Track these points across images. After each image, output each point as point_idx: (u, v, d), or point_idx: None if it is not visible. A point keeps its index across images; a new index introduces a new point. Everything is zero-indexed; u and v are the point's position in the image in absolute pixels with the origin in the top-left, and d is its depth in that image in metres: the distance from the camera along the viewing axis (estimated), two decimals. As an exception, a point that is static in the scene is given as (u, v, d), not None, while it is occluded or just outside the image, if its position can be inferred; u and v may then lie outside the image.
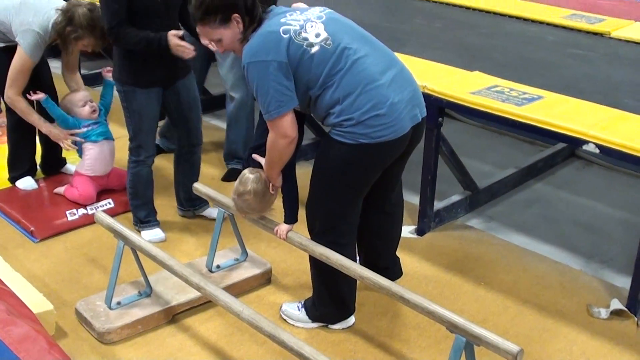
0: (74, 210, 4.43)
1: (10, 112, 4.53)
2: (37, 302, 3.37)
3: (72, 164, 4.99)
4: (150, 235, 4.20)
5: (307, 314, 3.52)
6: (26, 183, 4.73)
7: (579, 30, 5.41)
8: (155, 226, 4.28)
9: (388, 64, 3.12)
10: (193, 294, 3.51)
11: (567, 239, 4.39)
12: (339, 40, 3.03)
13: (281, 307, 3.60)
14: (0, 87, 4.40)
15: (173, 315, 3.54)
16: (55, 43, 4.26)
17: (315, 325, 3.51)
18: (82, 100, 4.52)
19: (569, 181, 5.17)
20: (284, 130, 3.04)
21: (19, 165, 4.76)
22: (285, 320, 3.54)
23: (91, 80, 6.93)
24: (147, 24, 3.82)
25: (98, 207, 4.44)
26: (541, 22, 5.61)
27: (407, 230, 4.32)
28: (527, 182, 5.09)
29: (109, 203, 4.54)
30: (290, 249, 3.81)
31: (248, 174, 3.31)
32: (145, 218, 4.28)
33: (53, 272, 3.93)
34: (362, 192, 3.28)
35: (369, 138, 3.03)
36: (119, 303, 3.49)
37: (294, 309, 3.55)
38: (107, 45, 4.18)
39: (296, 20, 3.05)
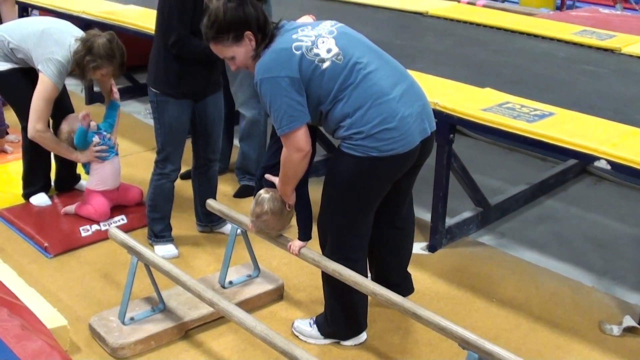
0: (88, 227, 4.45)
1: (24, 127, 4.56)
2: (51, 317, 3.39)
3: (86, 180, 5.02)
4: (163, 251, 4.22)
5: (319, 330, 3.52)
6: (40, 199, 4.76)
7: (590, 47, 5.42)
8: (169, 242, 4.30)
9: (398, 78, 3.14)
10: (206, 309, 3.52)
11: (579, 255, 4.38)
12: (350, 55, 3.06)
13: (293, 323, 3.61)
14: (20, 108, 4.49)
15: (186, 331, 3.55)
16: (74, 71, 4.33)
17: (327, 341, 3.51)
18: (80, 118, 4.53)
19: (580, 197, 5.17)
20: (297, 144, 3.05)
21: (34, 182, 4.79)
22: (297, 336, 3.55)
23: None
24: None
25: (111, 223, 4.47)
26: (552, 39, 5.62)
27: (419, 247, 4.33)
28: (539, 198, 5.10)
29: (122, 219, 4.57)
30: (302, 265, 3.82)
31: (263, 194, 3.32)
32: (160, 232, 4.31)
33: (67, 288, 3.95)
34: (372, 206, 3.29)
35: (378, 151, 3.05)
36: (132, 318, 3.51)
37: (306, 325, 3.56)
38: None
39: (308, 37, 3.08)
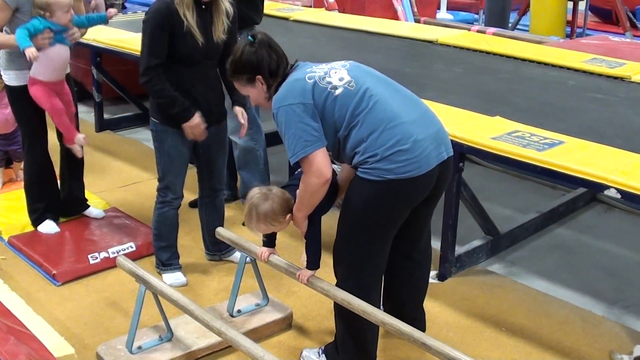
0: (96, 254, 4.45)
1: (28, 150, 4.59)
2: (58, 345, 3.38)
3: (95, 207, 5.02)
4: (171, 279, 4.21)
5: (328, 359, 3.50)
6: (48, 227, 4.76)
7: (600, 75, 5.41)
8: (176, 270, 4.29)
9: (412, 106, 3.20)
10: (214, 338, 3.50)
11: (589, 284, 4.36)
12: (362, 83, 3.12)
13: (301, 353, 3.58)
14: (24, 126, 4.56)
15: (194, 360, 3.54)
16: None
17: None
18: (68, 6, 4.36)
19: (590, 226, 5.15)
20: (317, 169, 3.06)
21: (40, 201, 4.78)
22: None
23: (114, 125, 7.03)
24: (185, 71, 3.94)
25: (119, 251, 4.46)
26: (561, 67, 5.62)
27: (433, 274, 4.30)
28: (549, 226, 5.07)
29: (131, 247, 4.57)
30: (311, 294, 3.81)
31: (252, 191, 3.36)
32: (167, 261, 4.30)
33: (74, 316, 3.94)
34: (388, 232, 3.27)
35: (393, 174, 3.05)
36: (140, 347, 3.49)
37: (315, 355, 3.54)
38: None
39: (321, 69, 3.19)
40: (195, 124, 3.93)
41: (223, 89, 4.18)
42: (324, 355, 3.51)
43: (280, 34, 6.27)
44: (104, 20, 4.66)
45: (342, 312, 3.33)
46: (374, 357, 3.48)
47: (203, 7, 3.89)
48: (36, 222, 4.80)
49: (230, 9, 4.01)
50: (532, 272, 4.46)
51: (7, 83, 4.53)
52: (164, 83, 3.88)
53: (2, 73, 4.56)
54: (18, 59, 4.35)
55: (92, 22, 4.65)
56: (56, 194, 4.86)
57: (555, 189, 5.64)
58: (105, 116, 7.07)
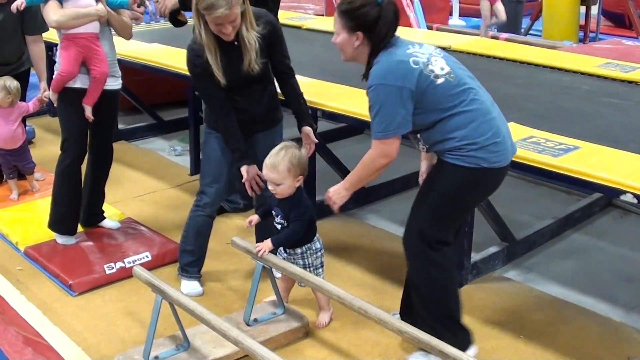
0: (112, 264, 4.46)
1: (64, 158, 4.60)
2: (75, 356, 3.41)
3: (111, 218, 5.04)
4: (188, 288, 4.21)
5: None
6: (65, 239, 4.77)
7: (614, 79, 5.39)
8: (194, 278, 4.29)
9: (492, 101, 3.41)
10: (230, 348, 3.50)
11: (607, 290, 4.33)
12: (460, 77, 3.31)
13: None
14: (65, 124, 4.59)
15: (210, 370, 3.54)
16: None
17: None
18: None
19: (607, 231, 5.12)
20: (390, 150, 3.26)
21: (63, 210, 4.75)
22: None
23: (128, 135, 7.06)
24: (236, 95, 3.98)
25: (135, 261, 4.47)
26: (575, 72, 5.60)
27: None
28: (565, 232, 5.05)
29: (147, 256, 4.57)
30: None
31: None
32: (185, 265, 4.30)
33: (91, 326, 3.95)
34: (466, 217, 3.54)
35: (487, 162, 3.25)
36: (156, 357, 3.50)
37: (423, 356, 3.54)
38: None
39: (422, 54, 3.29)
40: (248, 177, 3.97)
41: (277, 98, 4.18)
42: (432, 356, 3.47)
43: (293, 43, 6.26)
44: (125, 6, 4.60)
45: (427, 299, 3.47)
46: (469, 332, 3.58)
47: (233, 44, 3.84)
48: (56, 228, 4.76)
49: (257, 41, 3.87)
50: (548, 278, 4.44)
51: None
52: (231, 126, 3.97)
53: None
54: None
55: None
56: (79, 205, 4.83)
57: (570, 194, 5.62)
58: (120, 126, 7.09)
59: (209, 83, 3.91)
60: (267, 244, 3.69)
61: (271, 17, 4.02)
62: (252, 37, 3.84)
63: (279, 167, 3.63)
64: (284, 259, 3.82)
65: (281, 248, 3.84)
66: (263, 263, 3.70)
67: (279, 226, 3.81)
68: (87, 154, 4.72)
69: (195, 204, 4.23)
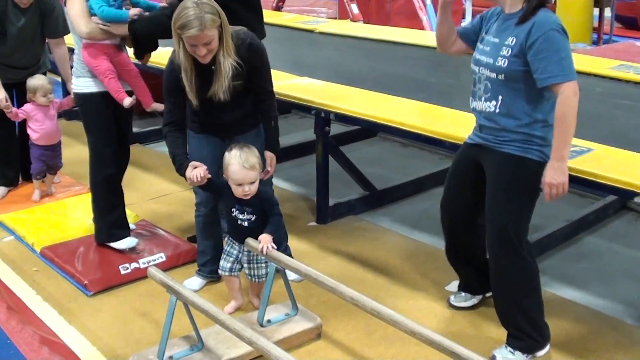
0: (127, 265, 4.49)
1: (96, 166, 4.60)
2: (90, 356, 3.43)
3: (131, 222, 5.05)
4: (190, 283, 4.31)
5: (522, 351, 3.59)
6: (127, 242, 4.71)
7: (627, 81, 5.39)
8: (201, 276, 4.35)
9: None
10: (244, 348, 3.52)
11: (620, 293, 4.32)
12: None
13: (494, 358, 3.62)
14: (92, 132, 4.56)
15: (224, 370, 3.56)
16: None
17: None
18: None
19: (621, 234, 5.11)
20: (577, 88, 3.26)
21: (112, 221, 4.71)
22: None
23: (143, 138, 7.10)
24: (211, 113, 3.96)
25: (150, 262, 4.50)
26: (588, 74, 5.59)
27: (457, 284, 4.30)
28: (578, 235, 5.05)
29: (161, 257, 4.60)
30: (340, 304, 3.82)
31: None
32: (200, 264, 4.39)
33: (106, 326, 3.98)
34: None
35: (547, 158, 3.36)
36: (171, 357, 3.52)
37: (508, 354, 3.60)
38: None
39: None
40: (188, 175, 3.82)
41: (254, 107, 4.07)
42: (517, 351, 3.59)
43: (306, 46, 6.31)
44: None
45: (515, 293, 3.57)
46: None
47: (210, 67, 3.78)
48: (111, 238, 4.71)
49: (232, 69, 3.77)
50: (562, 281, 4.44)
51: (80, 91, 4.50)
52: (172, 138, 3.92)
53: (74, 82, 4.54)
54: None
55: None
56: (123, 204, 4.80)
57: (584, 197, 5.61)
58: (135, 129, 7.12)
59: (172, 99, 3.94)
60: (267, 238, 3.72)
61: (255, 41, 3.91)
62: (227, 64, 3.74)
63: (255, 164, 3.69)
64: (249, 254, 3.89)
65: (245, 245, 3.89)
66: (276, 264, 3.72)
67: (245, 222, 3.83)
68: None
69: (195, 204, 4.28)
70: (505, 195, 3.49)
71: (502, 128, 3.43)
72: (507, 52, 3.34)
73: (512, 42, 3.34)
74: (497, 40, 3.43)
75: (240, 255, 3.92)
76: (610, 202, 5.33)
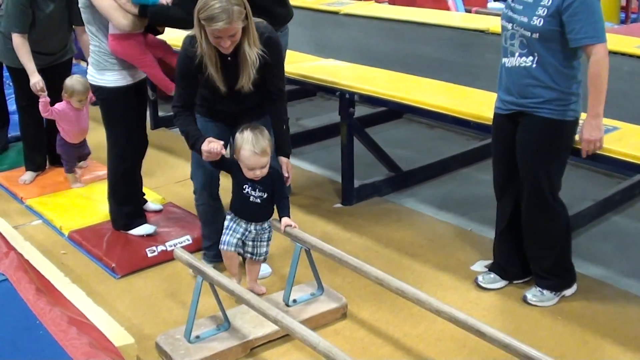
0: (154, 247, 4.53)
1: (117, 160, 4.63)
2: (118, 335, 3.45)
3: (153, 202, 5.10)
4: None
5: (551, 289, 3.93)
6: (144, 229, 4.75)
7: (655, 60, 5.34)
8: (207, 261, 4.32)
9: None
10: (270, 328, 3.55)
11: (647, 272, 4.30)
12: None
13: (526, 297, 3.93)
14: (112, 127, 4.57)
15: (251, 349, 3.58)
16: None
17: (557, 299, 3.94)
18: None
19: (648, 213, 5.08)
20: (607, 50, 3.47)
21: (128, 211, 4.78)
22: (535, 305, 3.91)
23: (168, 122, 7.13)
24: (215, 102, 3.94)
25: (177, 244, 4.54)
26: (615, 53, 5.53)
27: (483, 265, 4.30)
28: (605, 215, 5.01)
29: (188, 240, 4.64)
30: (366, 284, 3.84)
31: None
32: (204, 247, 4.40)
33: (134, 307, 4.03)
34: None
35: (578, 115, 3.64)
36: (198, 337, 3.56)
37: (537, 294, 3.93)
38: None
39: None
40: (204, 149, 3.72)
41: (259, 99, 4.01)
42: (546, 290, 3.93)
43: (331, 28, 6.30)
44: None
45: (549, 236, 3.87)
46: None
47: (229, 58, 3.72)
48: (127, 227, 4.76)
49: (258, 58, 3.74)
50: (588, 261, 4.42)
51: (105, 85, 4.46)
52: (185, 119, 3.85)
53: (95, 75, 4.49)
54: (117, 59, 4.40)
55: None
56: (140, 192, 4.89)
57: (611, 177, 5.57)
58: (160, 114, 7.17)
59: (187, 82, 3.85)
60: (289, 220, 3.80)
61: (274, 35, 3.86)
62: (254, 53, 3.70)
63: (266, 148, 3.68)
64: (257, 232, 3.89)
65: (253, 223, 3.88)
66: (302, 245, 3.74)
67: (258, 200, 3.82)
68: None
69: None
70: (541, 157, 3.65)
71: (538, 84, 3.54)
72: (543, 12, 3.46)
73: (548, 3, 3.46)
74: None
75: (247, 233, 3.91)
76: (637, 181, 5.28)
